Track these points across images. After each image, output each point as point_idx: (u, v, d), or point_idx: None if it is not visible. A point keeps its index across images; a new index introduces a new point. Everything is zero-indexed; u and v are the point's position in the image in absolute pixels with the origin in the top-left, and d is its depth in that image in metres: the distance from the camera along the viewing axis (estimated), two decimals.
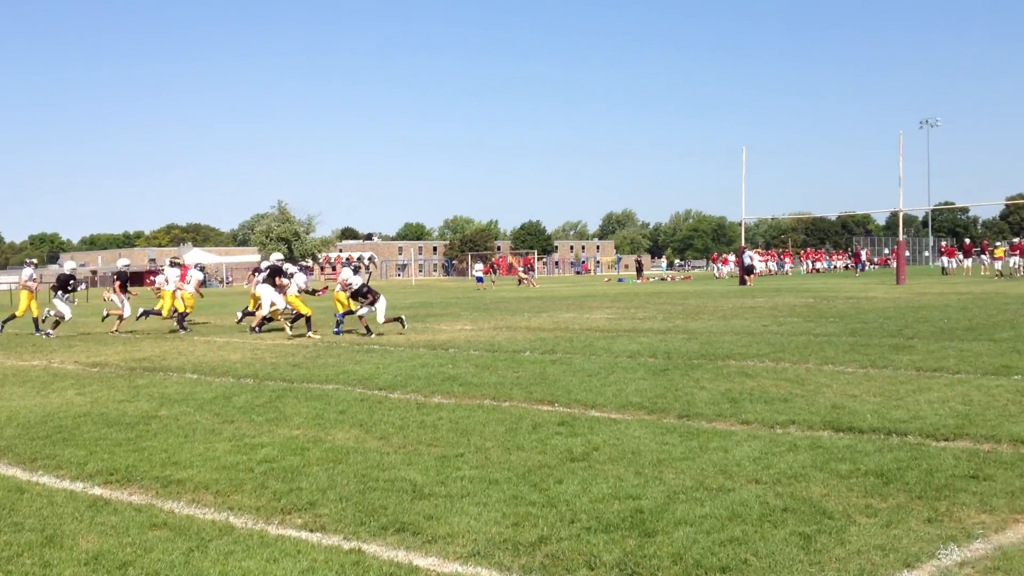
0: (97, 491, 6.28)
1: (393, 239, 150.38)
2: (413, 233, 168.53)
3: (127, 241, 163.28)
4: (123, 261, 24.00)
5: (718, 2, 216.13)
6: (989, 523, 4.87)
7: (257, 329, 20.17)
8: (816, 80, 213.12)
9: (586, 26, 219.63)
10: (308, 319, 19.35)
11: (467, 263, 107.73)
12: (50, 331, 20.85)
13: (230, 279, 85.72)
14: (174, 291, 22.49)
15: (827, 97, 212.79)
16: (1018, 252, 45.93)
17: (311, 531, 5.20)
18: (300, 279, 20.16)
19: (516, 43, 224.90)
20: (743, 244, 50.87)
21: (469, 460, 6.81)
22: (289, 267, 20.92)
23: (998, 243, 51.05)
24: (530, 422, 8.23)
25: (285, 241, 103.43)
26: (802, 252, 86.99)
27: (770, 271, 69.61)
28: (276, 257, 22.53)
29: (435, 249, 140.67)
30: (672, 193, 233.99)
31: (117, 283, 22.56)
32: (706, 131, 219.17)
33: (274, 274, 20.22)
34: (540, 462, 6.66)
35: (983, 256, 49.29)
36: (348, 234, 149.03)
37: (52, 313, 21.37)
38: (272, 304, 19.99)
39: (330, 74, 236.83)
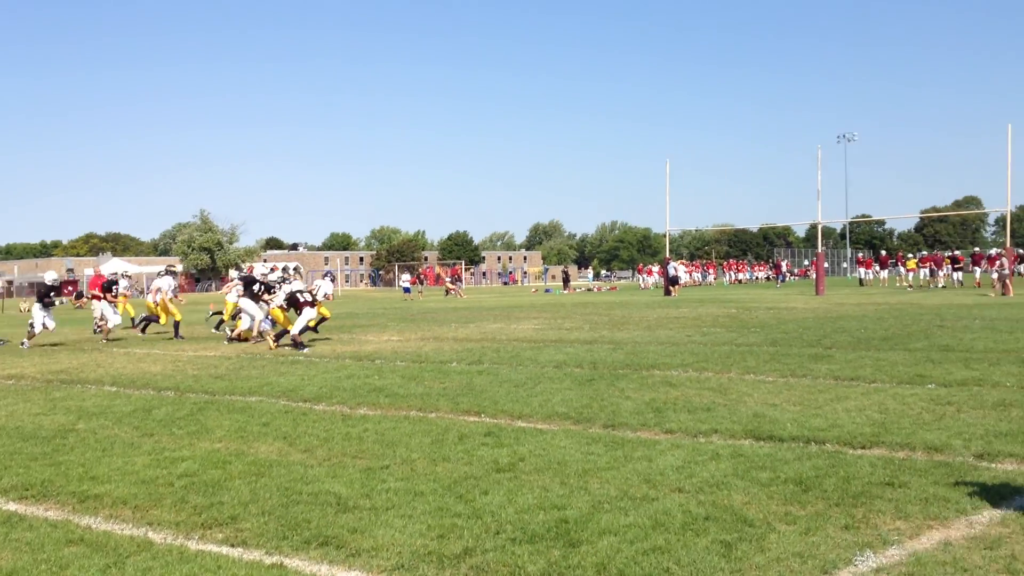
0: (12, 507, 6.10)
1: (319, 249, 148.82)
2: (339, 243, 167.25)
3: (44, 251, 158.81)
4: (112, 266, 24.22)
5: (640, 12, 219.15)
6: (904, 529, 5.00)
7: (229, 337, 20.38)
8: (738, 93, 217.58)
9: (511, 35, 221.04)
10: (285, 332, 18.64)
11: (394, 273, 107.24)
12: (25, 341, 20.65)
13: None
14: (157, 301, 22.90)
15: (748, 110, 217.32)
16: (929, 264, 47.37)
17: (232, 546, 5.11)
18: (327, 287, 19.74)
19: (440, 50, 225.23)
20: (668, 255, 51.52)
21: (394, 472, 6.77)
22: (300, 279, 20.52)
23: (910, 255, 52.53)
24: (456, 433, 8.21)
25: (207, 251, 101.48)
26: (725, 263, 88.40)
27: (694, 282, 70.66)
28: (261, 270, 22.01)
29: (361, 259, 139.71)
30: (598, 205, 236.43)
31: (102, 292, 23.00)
32: (631, 143, 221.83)
33: (249, 284, 19.87)
34: (466, 473, 6.65)
35: (899, 268, 50.71)
36: (273, 244, 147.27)
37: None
38: (251, 319, 19.69)
39: (252, 82, 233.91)
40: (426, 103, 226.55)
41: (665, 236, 54.14)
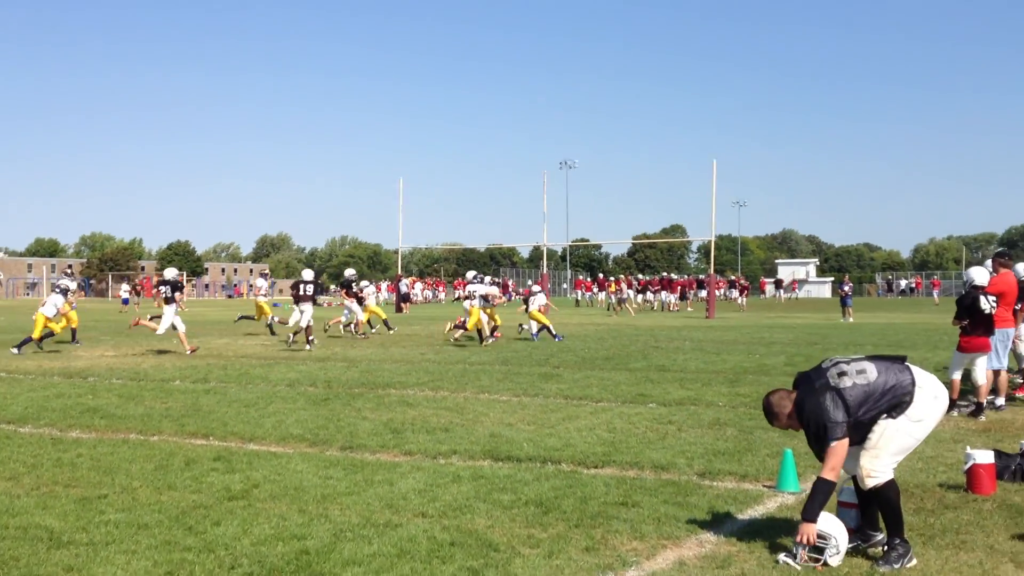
0: None
1: (21, 255, 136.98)
2: (45, 249, 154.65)
3: None
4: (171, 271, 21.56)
5: (381, 39, 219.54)
6: (641, 550, 5.15)
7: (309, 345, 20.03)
8: (469, 114, 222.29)
9: (235, 37, 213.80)
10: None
11: (107, 283, 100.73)
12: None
13: None
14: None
15: (478, 132, 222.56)
16: (621, 286, 50.43)
17: None
18: (490, 289, 22.24)
19: (157, 50, 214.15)
20: (399, 272, 51.68)
21: (114, 502, 6.23)
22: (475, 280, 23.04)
23: (611, 278, 55.74)
24: (183, 458, 7.71)
25: None
26: (455, 281, 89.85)
27: (426, 299, 71.28)
28: (351, 273, 25.35)
29: (70, 267, 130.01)
30: (329, 219, 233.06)
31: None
32: (364, 160, 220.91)
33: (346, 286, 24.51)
34: (195, 502, 6.23)
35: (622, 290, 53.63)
36: None
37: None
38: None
39: None
40: (144, 103, 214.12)
41: (398, 253, 54.33)
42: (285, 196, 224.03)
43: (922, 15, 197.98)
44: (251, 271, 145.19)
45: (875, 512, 5.10)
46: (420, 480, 6.83)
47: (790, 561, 4.81)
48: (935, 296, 64.22)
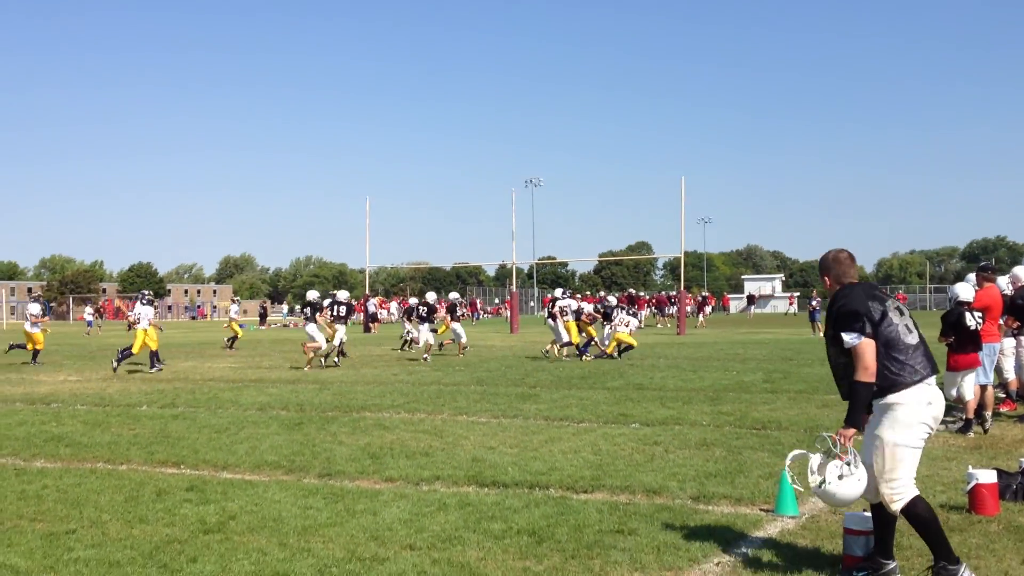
0: None
1: None
2: (4, 272, 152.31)
3: None
4: (313, 293, 23.06)
5: (345, 56, 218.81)
6: None
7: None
8: (433, 132, 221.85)
9: (194, 69, 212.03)
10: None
11: (68, 306, 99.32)
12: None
13: None
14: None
15: (443, 151, 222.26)
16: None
17: None
18: (582, 305, 23.51)
19: (109, 72, 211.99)
20: (367, 291, 51.23)
21: (83, 538, 5.90)
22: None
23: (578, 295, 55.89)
24: (153, 488, 7.38)
25: None
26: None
27: (392, 319, 70.73)
28: (432, 297, 24.38)
29: (30, 290, 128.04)
30: (293, 239, 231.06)
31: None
32: (325, 178, 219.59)
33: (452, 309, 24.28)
34: (169, 536, 5.91)
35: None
36: None
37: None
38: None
39: None
40: (103, 123, 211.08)
41: (365, 272, 53.91)
42: (248, 216, 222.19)
43: (882, 34, 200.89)
44: (214, 292, 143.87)
45: (889, 538, 4.88)
46: (404, 509, 6.55)
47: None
48: None
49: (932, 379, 4.85)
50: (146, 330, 20.81)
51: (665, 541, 5.60)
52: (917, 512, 4.72)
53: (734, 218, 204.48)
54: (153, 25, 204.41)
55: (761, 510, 6.42)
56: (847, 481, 4.73)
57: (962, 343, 9.78)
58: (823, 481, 4.77)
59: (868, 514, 5.01)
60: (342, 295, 23.18)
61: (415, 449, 9.07)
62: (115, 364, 19.82)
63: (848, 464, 4.76)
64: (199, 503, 6.85)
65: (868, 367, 4.73)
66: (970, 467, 6.54)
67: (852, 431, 4.77)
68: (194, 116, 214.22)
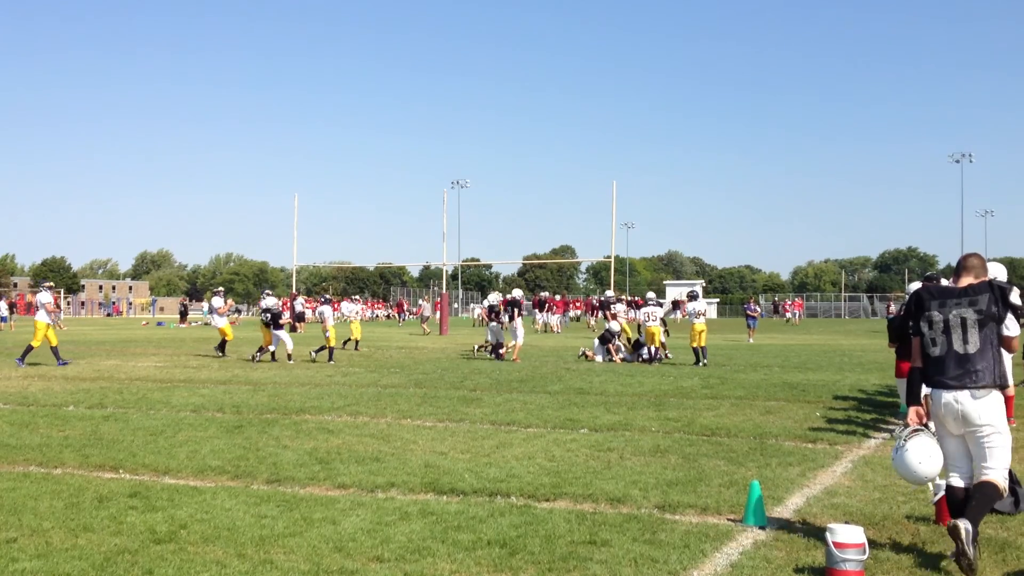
0: None
1: None
2: None
3: None
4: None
5: (270, 50, 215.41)
6: None
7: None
8: (360, 132, 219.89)
9: (109, 61, 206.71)
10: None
11: None
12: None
13: None
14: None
15: (370, 151, 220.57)
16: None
17: None
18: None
19: (47, 66, 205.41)
20: (294, 290, 50.48)
21: (26, 547, 5.54)
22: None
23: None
24: (94, 494, 7.01)
25: None
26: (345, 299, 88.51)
27: (315, 318, 69.93)
28: (495, 297, 25.55)
29: None
30: (211, 235, 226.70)
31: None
32: (245, 174, 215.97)
33: (514, 306, 23.77)
34: (119, 546, 5.58)
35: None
36: None
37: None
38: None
39: None
40: (13, 112, 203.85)
41: (293, 270, 53.09)
42: (165, 211, 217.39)
43: (797, 45, 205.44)
44: (130, 289, 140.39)
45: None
46: (365, 518, 6.31)
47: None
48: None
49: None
50: (48, 323, 20.22)
51: (641, 553, 5.46)
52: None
53: (655, 224, 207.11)
54: (66, 20, 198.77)
55: (729, 520, 6.34)
56: (921, 435, 5.46)
57: (909, 350, 9.86)
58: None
59: (853, 527, 4.96)
60: (269, 302, 22.45)
61: (364, 454, 8.81)
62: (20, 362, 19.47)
63: (922, 431, 5.47)
64: (145, 510, 6.51)
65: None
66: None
67: (915, 407, 5.60)
68: (110, 108, 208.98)
